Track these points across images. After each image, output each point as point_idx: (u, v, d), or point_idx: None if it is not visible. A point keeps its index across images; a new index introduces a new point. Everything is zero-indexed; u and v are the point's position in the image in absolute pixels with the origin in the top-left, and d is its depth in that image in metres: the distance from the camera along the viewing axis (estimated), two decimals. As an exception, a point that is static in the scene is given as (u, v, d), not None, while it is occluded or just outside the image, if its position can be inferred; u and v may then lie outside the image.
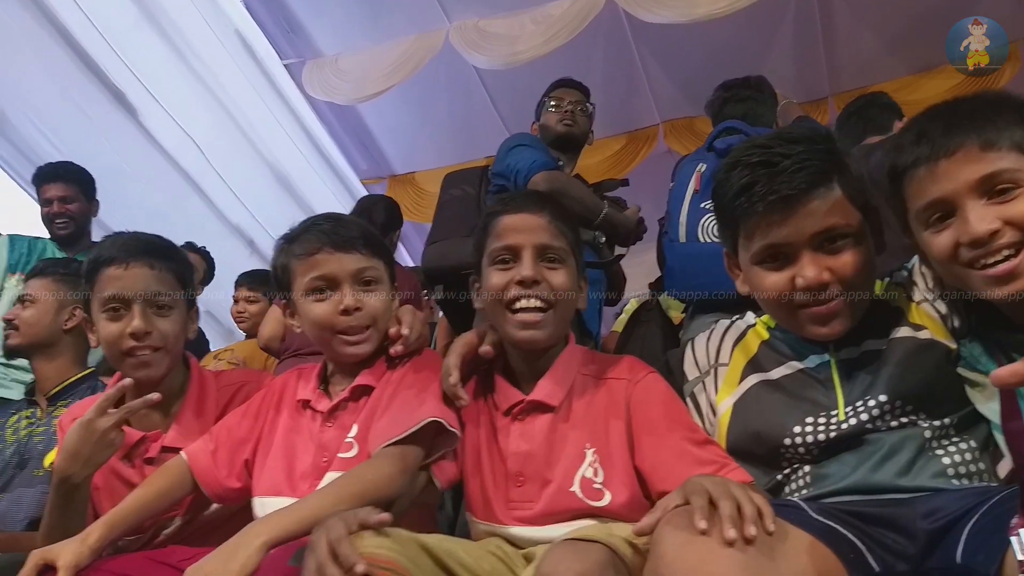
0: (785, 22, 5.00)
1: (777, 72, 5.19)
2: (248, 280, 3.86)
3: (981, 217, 1.07)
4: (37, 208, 3.17)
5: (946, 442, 1.19)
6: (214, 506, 1.57)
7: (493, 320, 1.47)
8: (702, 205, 2.25)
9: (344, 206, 6.50)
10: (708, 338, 1.50)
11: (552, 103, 2.82)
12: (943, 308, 1.29)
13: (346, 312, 1.45)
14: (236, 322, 3.82)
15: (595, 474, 1.32)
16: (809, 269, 1.24)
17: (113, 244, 1.61)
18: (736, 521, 0.89)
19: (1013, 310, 1.14)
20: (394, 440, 1.31)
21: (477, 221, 2.26)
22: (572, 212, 2.32)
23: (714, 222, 2.08)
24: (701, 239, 2.17)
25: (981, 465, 1.17)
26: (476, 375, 1.51)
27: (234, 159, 5.63)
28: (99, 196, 3.33)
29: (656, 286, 2.68)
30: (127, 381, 1.44)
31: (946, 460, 1.17)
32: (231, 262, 5.27)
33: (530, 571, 1.11)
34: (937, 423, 1.20)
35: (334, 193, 6.49)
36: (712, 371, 1.44)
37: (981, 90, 2.91)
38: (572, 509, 1.30)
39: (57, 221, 3.18)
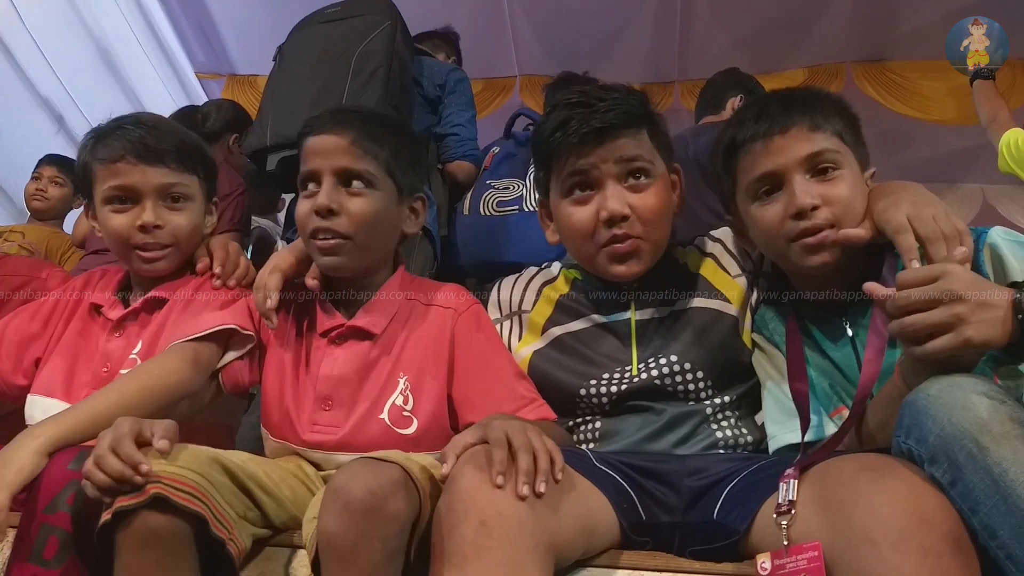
0: (649, 1, 5.15)
1: (633, 47, 5.38)
2: (59, 162, 3.54)
3: (805, 191, 1.21)
4: None
5: (723, 420, 1.32)
6: None
7: (306, 247, 1.41)
8: (488, 181, 2.35)
9: (175, 96, 5.98)
10: (514, 283, 1.54)
11: None
12: (745, 281, 1.41)
13: (144, 229, 1.36)
14: (29, 199, 3.48)
15: (405, 402, 1.32)
16: (612, 200, 1.32)
17: None
18: (531, 475, 0.95)
19: (808, 282, 1.29)
20: (184, 340, 1.26)
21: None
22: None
23: (496, 196, 2.23)
24: (483, 212, 2.28)
25: (749, 438, 1.32)
26: (293, 291, 1.44)
27: (52, 22, 4.99)
28: None
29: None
30: None
31: (719, 434, 1.30)
32: (33, 138, 4.74)
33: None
34: (719, 401, 1.32)
35: (163, 81, 5.93)
36: (513, 317, 1.49)
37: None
38: (378, 436, 1.29)
39: None
